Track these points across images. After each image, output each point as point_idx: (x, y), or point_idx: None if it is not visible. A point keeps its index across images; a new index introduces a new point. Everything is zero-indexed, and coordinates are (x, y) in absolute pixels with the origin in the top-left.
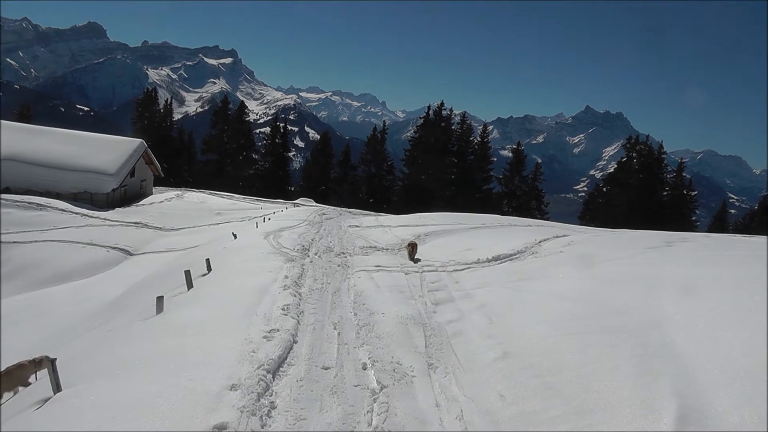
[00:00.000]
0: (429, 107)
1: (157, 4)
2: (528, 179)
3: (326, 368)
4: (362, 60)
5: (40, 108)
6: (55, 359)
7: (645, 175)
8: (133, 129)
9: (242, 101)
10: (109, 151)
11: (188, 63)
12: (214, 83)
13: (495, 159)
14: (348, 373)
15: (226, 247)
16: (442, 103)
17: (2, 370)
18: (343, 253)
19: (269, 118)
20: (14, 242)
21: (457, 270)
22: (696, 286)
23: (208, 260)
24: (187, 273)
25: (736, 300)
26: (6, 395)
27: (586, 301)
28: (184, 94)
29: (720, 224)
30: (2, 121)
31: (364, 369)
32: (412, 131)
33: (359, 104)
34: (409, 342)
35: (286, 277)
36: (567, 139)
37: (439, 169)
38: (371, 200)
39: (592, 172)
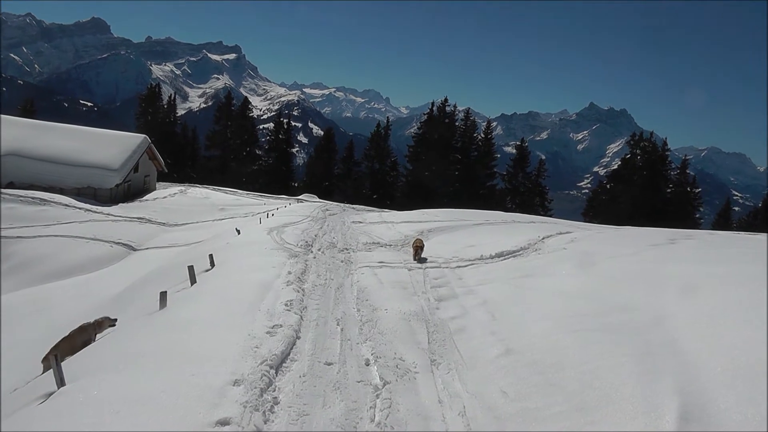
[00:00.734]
0: (433, 103)
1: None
2: (531, 176)
3: (329, 364)
4: (366, 56)
5: (43, 103)
6: (116, 320)
7: (649, 172)
8: (137, 124)
9: (246, 97)
10: (112, 146)
11: (192, 59)
12: (218, 79)
13: (498, 155)
14: (351, 369)
15: (229, 242)
16: (445, 100)
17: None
18: (347, 249)
19: (273, 113)
20: (18, 237)
21: (460, 266)
22: (699, 283)
23: (211, 256)
24: (191, 268)
25: (740, 298)
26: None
27: (589, 298)
28: (187, 89)
29: (724, 221)
30: (6, 117)
31: (367, 365)
32: (415, 127)
33: (363, 100)
34: (412, 338)
35: (290, 272)
36: (571, 135)
37: (442, 165)
38: (375, 196)
39: (595, 169)
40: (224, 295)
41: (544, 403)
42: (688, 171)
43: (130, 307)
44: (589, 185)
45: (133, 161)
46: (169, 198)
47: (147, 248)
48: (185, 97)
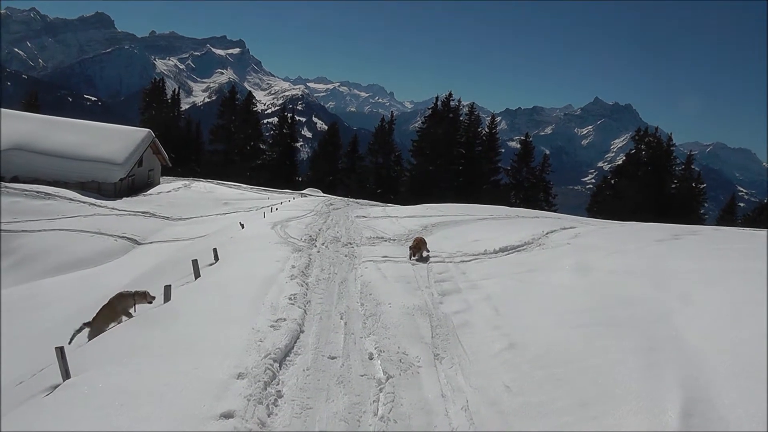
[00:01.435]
0: (437, 98)
1: None
2: (536, 171)
3: (333, 358)
4: (370, 51)
5: (48, 98)
6: (154, 297)
7: (653, 167)
8: (141, 119)
9: (250, 91)
10: (116, 140)
11: (196, 53)
12: (222, 73)
13: (503, 150)
14: (354, 362)
15: (233, 236)
16: (450, 94)
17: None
18: (350, 243)
19: (277, 108)
20: (23, 231)
21: (464, 261)
22: (704, 279)
23: (215, 250)
24: (195, 262)
25: (744, 293)
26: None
27: (593, 293)
28: (191, 84)
29: (729, 217)
30: (11, 111)
31: (371, 359)
32: (420, 122)
33: (367, 95)
34: (415, 332)
35: (294, 266)
36: (575, 130)
37: (446, 160)
38: (379, 191)
39: (600, 164)
40: (228, 288)
41: (547, 398)
42: (693, 166)
43: None
44: (593, 180)
45: (137, 155)
46: (173, 192)
47: (151, 242)
48: (189, 92)
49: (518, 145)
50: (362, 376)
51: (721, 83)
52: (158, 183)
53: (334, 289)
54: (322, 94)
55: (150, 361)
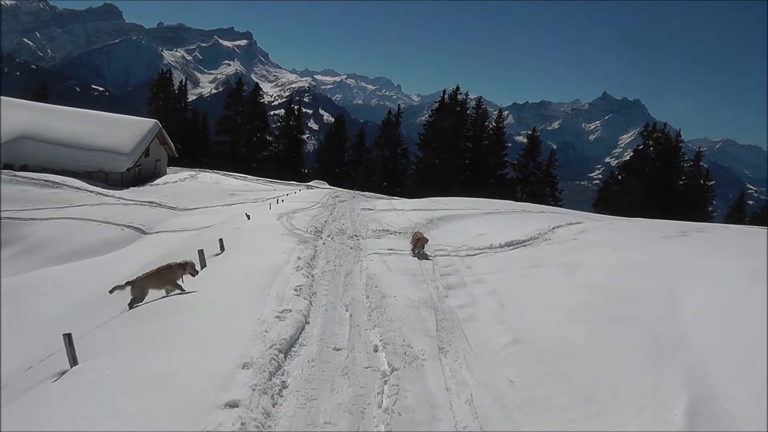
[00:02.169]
0: (444, 91)
1: None
2: (542, 165)
3: (338, 349)
4: (378, 44)
5: (56, 88)
6: (198, 271)
7: (661, 163)
8: (148, 109)
9: (257, 83)
10: (123, 130)
11: (203, 45)
12: (229, 65)
13: (510, 144)
14: (359, 354)
15: (239, 227)
16: (457, 88)
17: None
18: (356, 235)
19: (284, 100)
20: (31, 219)
21: (469, 255)
22: (710, 276)
23: (221, 240)
24: (201, 252)
25: (750, 292)
26: (157, 293)
27: (599, 289)
28: (198, 75)
29: (737, 215)
30: (20, 101)
31: (375, 351)
32: (426, 115)
33: (374, 87)
34: (420, 325)
35: (299, 258)
36: (583, 125)
37: (453, 153)
38: (385, 184)
39: (607, 160)
40: (234, 279)
41: (551, 394)
42: (701, 163)
43: None
44: (600, 176)
45: (144, 146)
46: (180, 183)
47: (158, 232)
48: (196, 83)
49: (525, 140)
50: (367, 368)
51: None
52: (165, 173)
53: (340, 281)
54: (329, 86)
55: (156, 350)
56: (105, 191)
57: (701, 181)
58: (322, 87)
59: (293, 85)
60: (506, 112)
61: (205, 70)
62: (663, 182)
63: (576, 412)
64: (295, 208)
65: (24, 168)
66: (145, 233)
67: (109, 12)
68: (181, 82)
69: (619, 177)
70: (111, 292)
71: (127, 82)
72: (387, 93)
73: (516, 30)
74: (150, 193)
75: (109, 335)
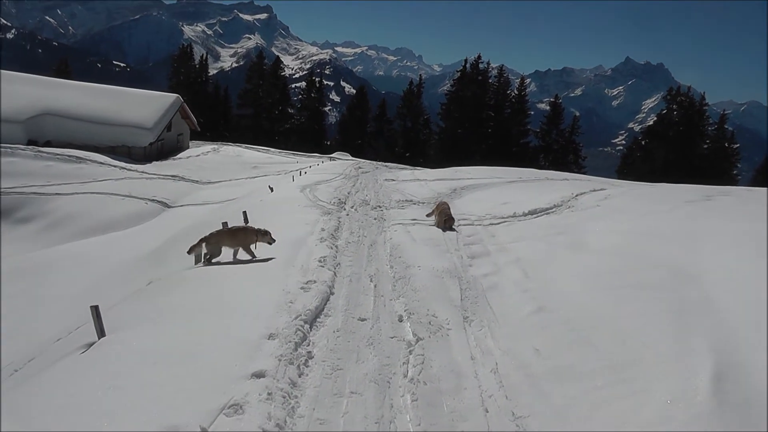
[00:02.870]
0: (466, 61)
1: None
2: (565, 133)
3: (362, 320)
4: (399, 14)
5: (78, 64)
6: (275, 240)
7: (685, 127)
8: (170, 84)
9: (277, 56)
10: (145, 105)
11: (223, 19)
12: (249, 39)
13: (532, 112)
14: (384, 324)
15: (262, 200)
16: (479, 57)
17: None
18: (379, 206)
19: (305, 72)
20: (56, 194)
21: (493, 224)
22: (736, 241)
23: (245, 213)
24: (225, 224)
25: None
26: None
27: (623, 256)
28: (219, 49)
29: (763, 178)
30: (43, 77)
31: (400, 321)
32: (448, 85)
33: (395, 58)
34: (444, 295)
35: (323, 229)
36: (606, 91)
37: (475, 123)
38: (407, 154)
39: (630, 125)
40: (258, 251)
41: (576, 361)
42: (726, 126)
43: (165, 262)
44: (623, 142)
45: (166, 120)
46: (202, 156)
47: (181, 205)
48: (217, 57)
49: (548, 107)
50: (392, 338)
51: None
52: (187, 147)
53: (364, 252)
54: (350, 58)
55: (182, 322)
56: (128, 166)
57: (726, 145)
58: (343, 59)
59: (314, 58)
60: (528, 80)
61: (226, 45)
62: (687, 146)
63: (601, 379)
64: (318, 180)
65: (48, 144)
66: (168, 207)
67: None
68: (201, 57)
69: (643, 142)
70: (189, 252)
71: (148, 58)
72: (408, 64)
73: None
74: (173, 167)
75: (136, 307)
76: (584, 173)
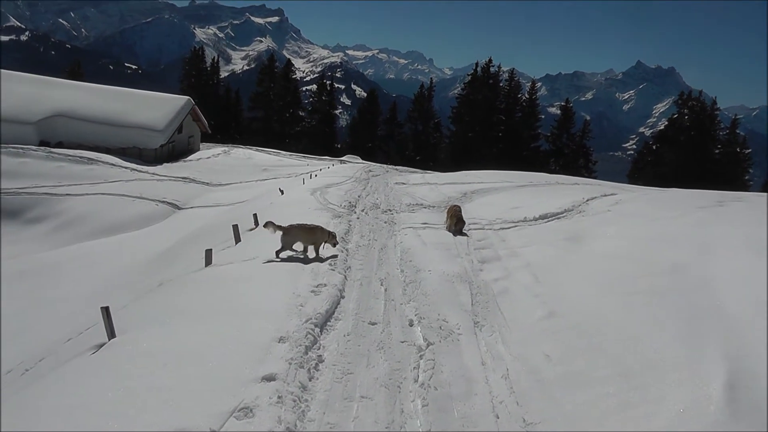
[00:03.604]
0: (477, 64)
1: None
2: (576, 137)
3: (373, 324)
4: (410, 17)
5: (90, 66)
6: (338, 243)
7: (696, 132)
8: (181, 86)
9: (289, 59)
10: (157, 107)
11: (235, 22)
12: (261, 42)
13: (543, 116)
14: (395, 329)
15: (273, 202)
16: (490, 60)
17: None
18: (390, 209)
19: (315, 75)
20: (67, 195)
21: (503, 228)
22: (748, 247)
23: (255, 215)
24: (235, 227)
25: None
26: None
27: (634, 261)
28: (230, 52)
29: None
30: (55, 79)
31: (411, 325)
32: (459, 88)
33: (406, 62)
34: (455, 299)
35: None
36: (617, 95)
37: (486, 126)
38: (418, 158)
39: (641, 130)
40: (269, 253)
41: (587, 368)
42: (737, 131)
43: (176, 263)
44: (634, 146)
45: (177, 122)
46: (213, 158)
47: (192, 207)
48: (228, 60)
49: (558, 111)
50: (402, 342)
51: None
52: (198, 149)
53: (374, 256)
54: (360, 61)
55: (192, 324)
56: (139, 167)
57: (738, 150)
58: (354, 62)
59: (325, 61)
60: (539, 84)
61: (237, 47)
62: (698, 151)
63: (613, 386)
64: (329, 182)
65: (59, 145)
66: (179, 208)
67: None
68: (213, 59)
69: (654, 147)
70: (265, 226)
71: (160, 60)
72: (419, 67)
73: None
74: (184, 169)
75: (146, 309)
76: (595, 178)
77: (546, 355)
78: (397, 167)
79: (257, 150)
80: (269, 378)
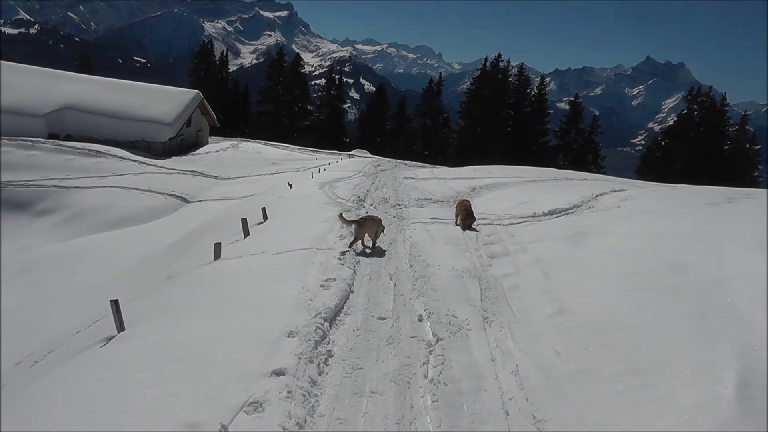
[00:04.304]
0: (486, 59)
1: None
2: (585, 132)
3: (382, 319)
4: (419, 11)
5: (99, 60)
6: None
7: (706, 128)
8: (190, 80)
9: (298, 53)
10: (165, 101)
11: (244, 16)
12: (270, 36)
13: (552, 111)
14: (404, 324)
15: (281, 196)
16: (499, 55)
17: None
18: (399, 204)
19: (324, 70)
20: (76, 187)
21: (512, 223)
22: (759, 244)
23: (264, 209)
24: (244, 221)
25: None
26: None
27: (644, 258)
28: (239, 46)
29: None
30: (64, 72)
31: (420, 321)
32: (468, 83)
33: (415, 56)
34: (464, 295)
35: (342, 227)
36: (626, 90)
37: (494, 121)
38: (426, 152)
39: (650, 125)
40: (277, 247)
41: (597, 365)
42: (747, 127)
43: (184, 257)
44: (643, 142)
45: (186, 116)
46: (221, 152)
47: (200, 200)
48: (237, 54)
49: (567, 107)
50: (412, 337)
51: None
52: (206, 143)
53: (384, 250)
54: (369, 55)
55: (201, 317)
56: (148, 160)
57: (747, 146)
58: (362, 56)
59: (334, 55)
60: (548, 79)
61: (246, 41)
62: (707, 147)
63: (623, 383)
64: (337, 177)
65: (68, 138)
66: (187, 202)
67: None
68: (222, 53)
69: (663, 143)
70: (340, 216)
71: (169, 54)
72: (428, 61)
73: None
74: (192, 163)
75: (155, 302)
76: (604, 173)
77: (556, 351)
78: (405, 162)
79: (266, 144)
80: (279, 372)
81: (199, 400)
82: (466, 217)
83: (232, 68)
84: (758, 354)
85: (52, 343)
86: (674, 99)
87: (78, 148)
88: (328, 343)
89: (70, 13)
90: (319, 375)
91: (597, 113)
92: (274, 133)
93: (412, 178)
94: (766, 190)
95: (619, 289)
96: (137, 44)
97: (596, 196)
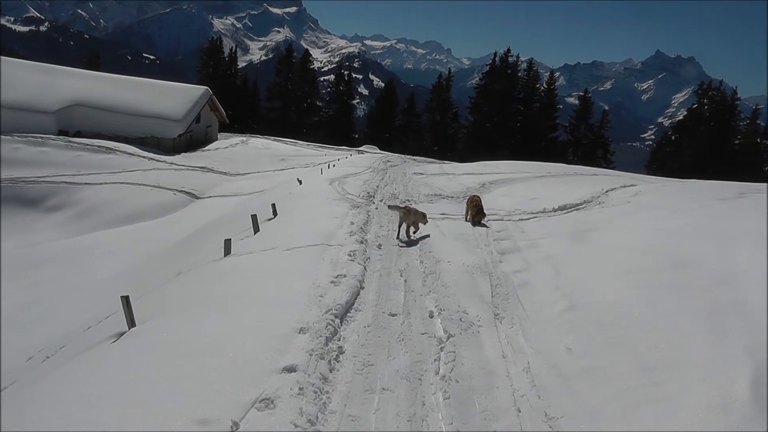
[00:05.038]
0: (495, 54)
1: None
2: (594, 127)
3: (393, 315)
4: (428, 7)
5: (108, 57)
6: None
7: (716, 122)
8: (199, 77)
9: (306, 49)
10: (175, 97)
11: (253, 12)
12: (279, 32)
13: (561, 106)
14: (415, 320)
15: (291, 192)
16: (508, 50)
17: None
18: (408, 200)
19: (333, 66)
20: (86, 183)
21: (522, 219)
22: None
23: (273, 205)
24: (254, 217)
25: None
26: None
27: (655, 254)
28: (248, 42)
29: None
30: (74, 69)
31: (431, 317)
32: (477, 79)
33: (424, 52)
34: (475, 291)
35: (352, 223)
36: (635, 85)
37: (504, 116)
38: (435, 148)
39: (660, 120)
40: (287, 243)
41: (609, 362)
42: (758, 121)
43: (194, 253)
44: (653, 137)
45: (195, 112)
46: (231, 148)
47: (209, 197)
48: (246, 50)
49: (577, 101)
50: (423, 334)
51: None
52: (216, 139)
53: (393, 246)
54: (378, 51)
55: (211, 313)
56: (157, 157)
57: (758, 140)
58: (371, 52)
59: (343, 51)
60: (557, 74)
61: (255, 38)
62: (718, 142)
63: (635, 381)
64: (347, 173)
65: (78, 134)
66: (197, 198)
67: None
68: (231, 50)
69: (673, 137)
70: (390, 207)
71: (178, 51)
72: (437, 57)
73: None
74: (201, 159)
75: (165, 298)
76: (613, 168)
77: (567, 348)
78: (414, 157)
79: (275, 140)
80: (290, 369)
81: (210, 396)
82: (476, 212)
83: (241, 65)
84: None
85: (63, 339)
86: (684, 93)
87: (88, 145)
88: (339, 340)
89: (79, 11)
90: (330, 372)
91: (606, 108)
92: (284, 129)
93: (422, 174)
94: None
95: (630, 286)
96: (146, 41)
97: (606, 191)
